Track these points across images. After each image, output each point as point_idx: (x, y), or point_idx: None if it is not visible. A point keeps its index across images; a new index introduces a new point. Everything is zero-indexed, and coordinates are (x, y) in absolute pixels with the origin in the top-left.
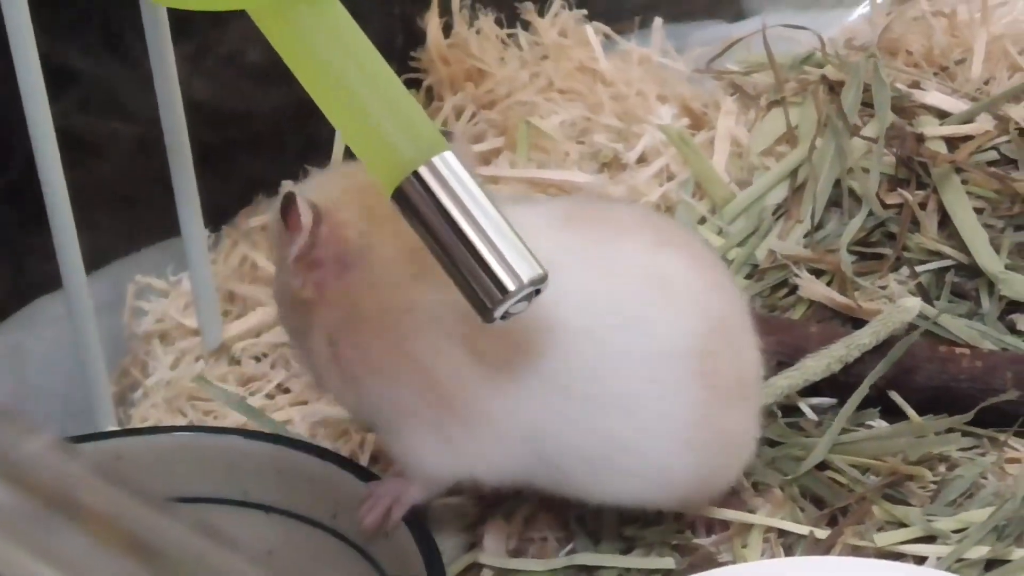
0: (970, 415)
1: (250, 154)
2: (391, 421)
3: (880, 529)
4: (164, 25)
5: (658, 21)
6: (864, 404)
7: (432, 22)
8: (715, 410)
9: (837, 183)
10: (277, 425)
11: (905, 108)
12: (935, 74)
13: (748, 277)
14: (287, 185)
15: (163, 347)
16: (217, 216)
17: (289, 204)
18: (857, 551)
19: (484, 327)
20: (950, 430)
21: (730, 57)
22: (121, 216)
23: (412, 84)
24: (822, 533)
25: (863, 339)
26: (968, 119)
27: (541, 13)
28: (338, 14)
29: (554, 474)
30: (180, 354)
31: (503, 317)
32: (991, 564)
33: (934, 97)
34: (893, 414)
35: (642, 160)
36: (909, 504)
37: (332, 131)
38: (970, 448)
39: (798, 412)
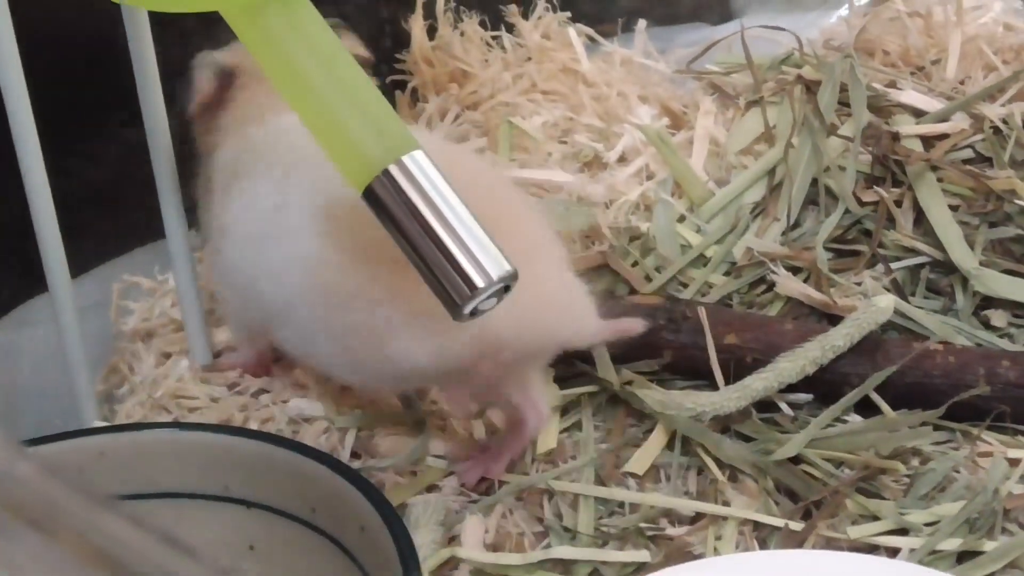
0: (941, 410)
1: None
2: None
3: (854, 522)
4: (146, 30)
5: (641, 23)
6: (839, 399)
7: (416, 25)
8: None
9: (814, 181)
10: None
11: (882, 107)
12: (912, 74)
13: (726, 274)
14: None
15: (148, 345)
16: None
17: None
18: (831, 543)
19: None
20: (922, 424)
21: (711, 58)
22: (111, 219)
23: (398, 86)
24: (796, 526)
25: (837, 340)
26: (944, 118)
27: (525, 16)
28: (310, 16)
29: None
30: (165, 352)
31: (472, 313)
32: (963, 556)
33: (910, 96)
34: (868, 409)
35: (622, 159)
36: (882, 498)
37: None
38: (943, 442)
39: (774, 408)
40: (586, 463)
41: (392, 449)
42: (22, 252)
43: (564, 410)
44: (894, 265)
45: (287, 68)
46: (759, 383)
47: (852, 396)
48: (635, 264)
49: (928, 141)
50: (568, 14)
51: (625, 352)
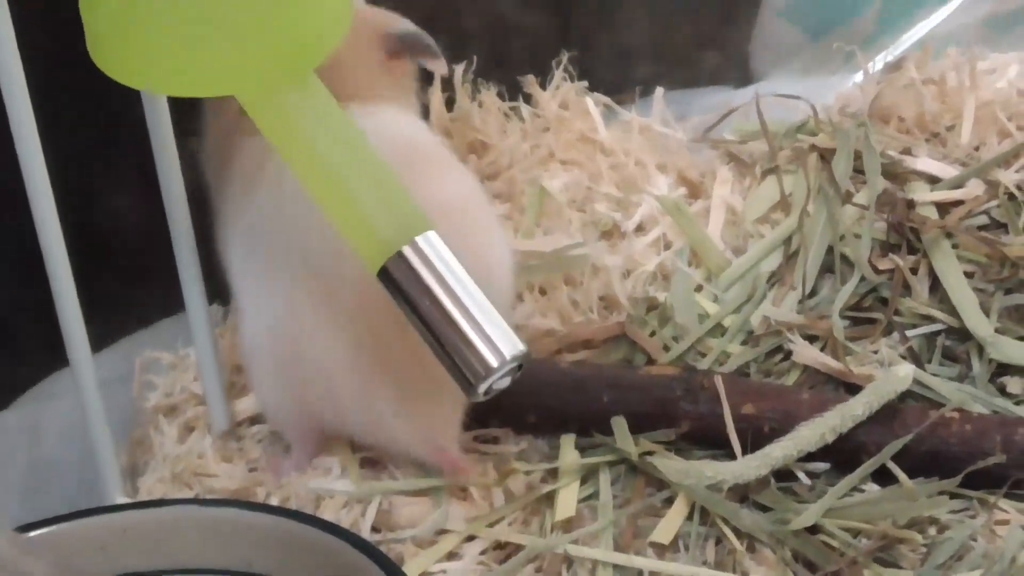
0: (958, 479)
1: None
2: None
3: None
4: (164, 107)
5: (659, 91)
6: (856, 467)
7: (435, 97)
8: None
9: (830, 249)
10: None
11: (897, 174)
12: (926, 140)
13: (744, 343)
14: None
15: (171, 420)
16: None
17: None
18: None
19: None
20: (940, 493)
21: (728, 125)
22: (134, 292)
23: None
24: None
25: (856, 410)
26: (958, 184)
27: (543, 86)
28: (324, 99)
29: None
30: (187, 428)
31: (486, 392)
32: None
33: (925, 163)
34: (885, 477)
35: (640, 229)
36: (900, 567)
37: None
38: (960, 511)
39: (792, 476)
40: (604, 528)
41: (412, 520)
42: (47, 326)
43: (583, 479)
44: (910, 333)
45: (302, 150)
46: (778, 451)
47: (869, 465)
48: (653, 334)
49: (943, 208)
50: (585, 83)
51: (642, 421)
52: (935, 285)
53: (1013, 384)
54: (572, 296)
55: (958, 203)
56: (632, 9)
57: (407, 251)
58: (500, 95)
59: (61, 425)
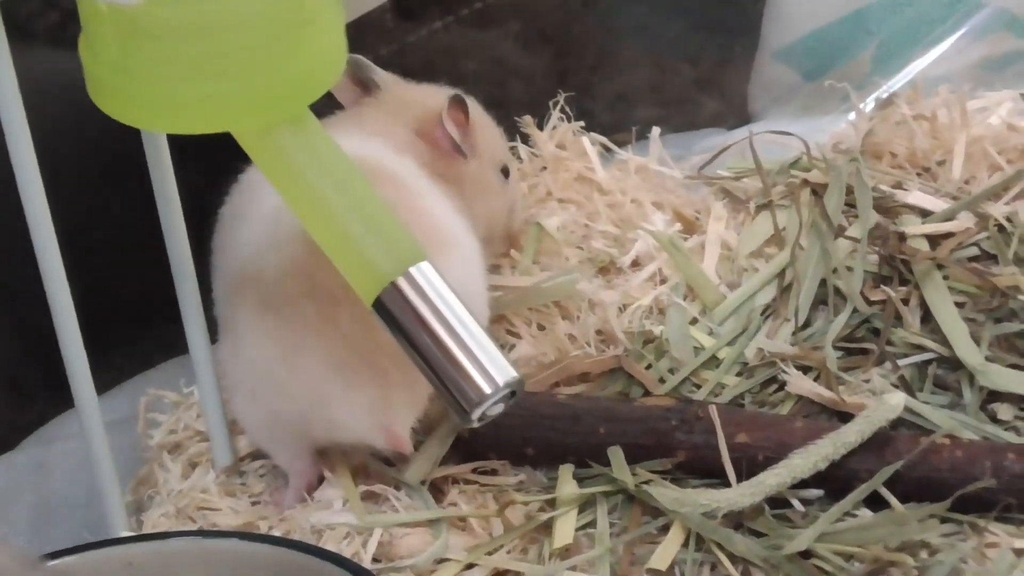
0: (948, 503)
1: None
2: None
3: None
4: (164, 146)
5: (655, 130)
6: (848, 494)
7: None
8: None
9: (823, 282)
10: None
11: (889, 208)
12: (918, 175)
13: (738, 375)
14: None
15: (175, 457)
16: None
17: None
18: None
19: None
20: (930, 517)
21: (724, 163)
22: (139, 335)
23: None
24: None
25: (849, 437)
26: (949, 217)
27: (540, 126)
28: (319, 135)
29: None
30: (191, 464)
31: (480, 419)
32: None
33: (916, 197)
34: (877, 503)
35: (636, 264)
36: None
37: None
38: (951, 535)
39: (786, 504)
40: (601, 555)
41: (412, 550)
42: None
43: (581, 508)
44: (902, 362)
45: (298, 185)
46: (773, 479)
47: (861, 491)
48: (649, 367)
49: (934, 240)
50: (582, 123)
51: (638, 452)
52: (926, 316)
53: (1003, 411)
54: (569, 331)
55: (949, 235)
56: (631, 53)
57: (401, 282)
58: None
59: (68, 464)
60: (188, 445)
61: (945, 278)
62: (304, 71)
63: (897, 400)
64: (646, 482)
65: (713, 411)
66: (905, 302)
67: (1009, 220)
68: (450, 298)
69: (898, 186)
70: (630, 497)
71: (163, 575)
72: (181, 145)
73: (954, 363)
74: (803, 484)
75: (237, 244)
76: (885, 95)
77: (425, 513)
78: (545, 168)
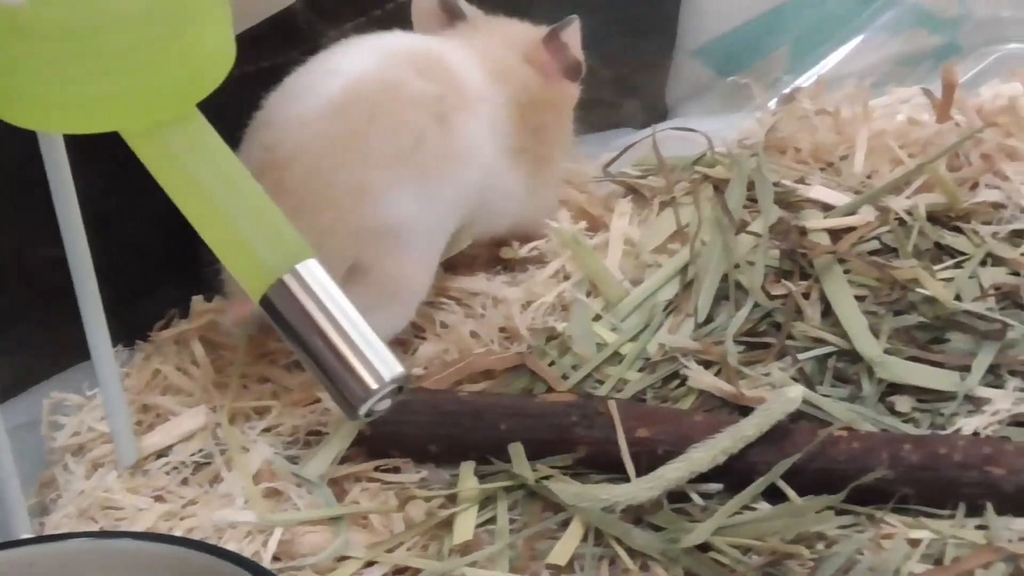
0: (844, 494)
1: (163, 272)
2: None
3: None
4: (60, 148)
5: None
6: (748, 487)
7: None
8: None
9: (725, 277)
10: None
11: (791, 203)
12: (821, 170)
13: (641, 370)
14: (198, 300)
15: (79, 459)
16: (134, 331)
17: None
18: None
19: None
20: (826, 509)
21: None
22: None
23: None
24: None
25: (747, 431)
26: (851, 211)
27: None
28: (206, 133)
29: None
30: (94, 466)
31: (368, 415)
32: None
33: (818, 191)
34: (778, 496)
35: (540, 261)
36: None
37: None
38: (849, 526)
39: (686, 498)
40: (501, 550)
41: (314, 548)
42: None
43: (482, 505)
44: (802, 356)
45: (185, 184)
46: (672, 473)
47: (759, 484)
48: (552, 363)
49: (836, 234)
50: None
51: (540, 448)
52: (827, 309)
53: (902, 403)
54: (473, 328)
55: (850, 229)
56: None
57: (288, 279)
58: None
59: None
60: (91, 447)
61: (846, 272)
62: (190, 70)
63: (795, 393)
64: (546, 477)
65: (613, 406)
66: (806, 296)
67: (910, 214)
68: (336, 295)
69: (801, 181)
70: (531, 493)
71: (64, 575)
72: (81, 145)
73: (853, 356)
74: (703, 478)
75: None
76: (789, 91)
77: (326, 511)
78: None
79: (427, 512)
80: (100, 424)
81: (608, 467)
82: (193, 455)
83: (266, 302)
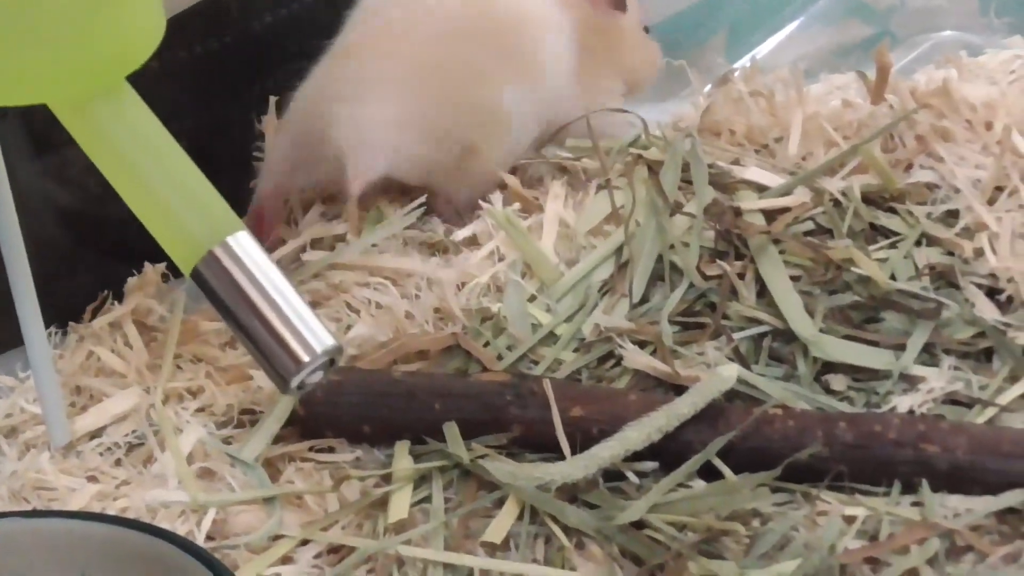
0: (778, 471)
1: (98, 254)
2: None
3: None
4: None
5: None
6: (683, 464)
7: (270, 124)
8: None
9: (660, 258)
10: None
11: (726, 184)
12: (756, 152)
13: (576, 351)
14: (133, 281)
15: (11, 442)
16: (67, 314)
17: None
18: None
19: None
20: (761, 486)
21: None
22: None
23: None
24: None
25: (682, 409)
26: (785, 192)
27: None
28: (136, 107)
29: None
30: (27, 447)
31: (300, 387)
32: None
33: (753, 172)
34: (714, 475)
35: (474, 243)
36: (724, 559)
37: None
38: (784, 503)
39: (622, 477)
40: (435, 528)
41: (248, 528)
42: None
43: (417, 484)
44: (737, 335)
45: (115, 157)
46: (606, 451)
47: (694, 462)
48: (487, 344)
49: (771, 215)
50: None
51: (474, 428)
52: (762, 290)
53: (836, 382)
54: (408, 309)
55: (785, 210)
56: None
57: (218, 251)
58: None
59: None
60: (24, 428)
61: (781, 252)
62: (118, 42)
63: (730, 372)
64: (481, 457)
65: (547, 386)
66: (741, 276)
67: (844, 195)
68: (267, 267)
69: (736, 162)
70: (466, 472)
71: None
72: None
73: (788, 336)
74: (638, 456)
75: None
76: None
77: (260, 491)
78: None
79: (361, 491)
80: (33, 406)
81: (543, 447)
82: (126, 436)
83: (197, 275)
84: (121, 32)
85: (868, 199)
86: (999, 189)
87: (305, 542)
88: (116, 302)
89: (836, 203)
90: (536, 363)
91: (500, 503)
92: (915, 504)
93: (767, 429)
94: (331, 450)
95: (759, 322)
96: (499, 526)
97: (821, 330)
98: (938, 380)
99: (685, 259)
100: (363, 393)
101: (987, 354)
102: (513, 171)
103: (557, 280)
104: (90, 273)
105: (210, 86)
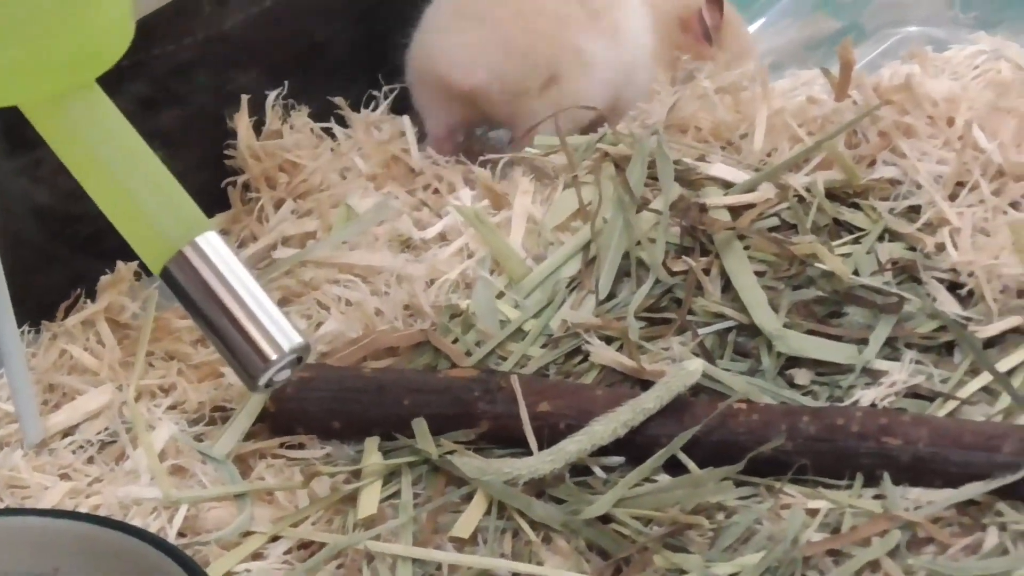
0: (741, 465)
1: (71, 253)
2: None
3: None
4: None
5: None
6: (648, 458)
7: (241, 122)
8: None
9: (627, 254)
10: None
11: (692, 180)
12: (722, 148)
13: (544, 346)
14: (105, 279)
15: None
16: (40, 312)
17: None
18: None
19: None
20: (725, 479)
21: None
22: None
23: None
24: None
25: (648, 403)
26: (750, 188)
27: (357, 108)
28: (105, 108)
29: None
30: (1, 445)
31: (268, 384)
32: None
33: (718, 169)
34: (678, 469)
35: (444, 239)
36: (688, 552)
37: None
38: (748, 497)
39: (588, 472)
40: (404, 524)
41: (219, 524)
42: None
43: (386, 480)
44: (703, 330)
45: (85, 158)
46: (573, 446)
47: (659, 456)
48: (456, 340)
49: (736, 211)
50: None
51: (443, 423)
52: (727, 285)
53: (800, 376)
54: (377, 306)
55: (750, 206)
56: None
57: (187, 251)
58: (313, 115)
59: None
60: None
61: (746, 248)
62: (88, 42)
63: (695, 366)
64: (450, 452)
65: (515, 381)
66: (706, 272)
67: (808, 191)
68: (236, 266)
69: (701, 159)
70: (434, 467)
71: None
72: None
73: (753, 330)
74: (605, 451)
75: None
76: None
77: (231, 487)
78: (360, 148)
79: (331, 487)
80: (6, 404)
81: (511, 441)
82: (99, 433)
83: (166, 274)
84: (91, 33)
85: (832, 195)
86: (960, 184)
87: (276, 538)
88: (89, 300)
89: (800, 199)
90: (504, 359)
91: (468, 498)
92: (877, 496)
93: (732, 423)
94: (301, 446)
95: (724, 317)
96: (467, 521)
97: (785, 325)
98: (900, 374)
99: (651, 255)
100: (333, 389)
101: (948, 348)
102: (484, 165)
103: (525, 276)
104: (63, 271)
105: (181, 85)
